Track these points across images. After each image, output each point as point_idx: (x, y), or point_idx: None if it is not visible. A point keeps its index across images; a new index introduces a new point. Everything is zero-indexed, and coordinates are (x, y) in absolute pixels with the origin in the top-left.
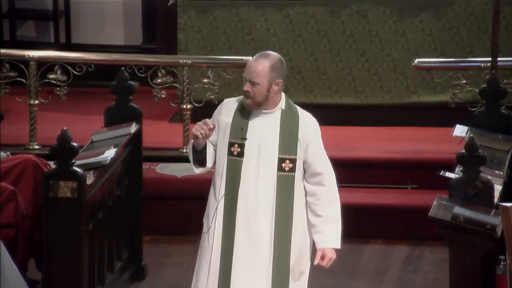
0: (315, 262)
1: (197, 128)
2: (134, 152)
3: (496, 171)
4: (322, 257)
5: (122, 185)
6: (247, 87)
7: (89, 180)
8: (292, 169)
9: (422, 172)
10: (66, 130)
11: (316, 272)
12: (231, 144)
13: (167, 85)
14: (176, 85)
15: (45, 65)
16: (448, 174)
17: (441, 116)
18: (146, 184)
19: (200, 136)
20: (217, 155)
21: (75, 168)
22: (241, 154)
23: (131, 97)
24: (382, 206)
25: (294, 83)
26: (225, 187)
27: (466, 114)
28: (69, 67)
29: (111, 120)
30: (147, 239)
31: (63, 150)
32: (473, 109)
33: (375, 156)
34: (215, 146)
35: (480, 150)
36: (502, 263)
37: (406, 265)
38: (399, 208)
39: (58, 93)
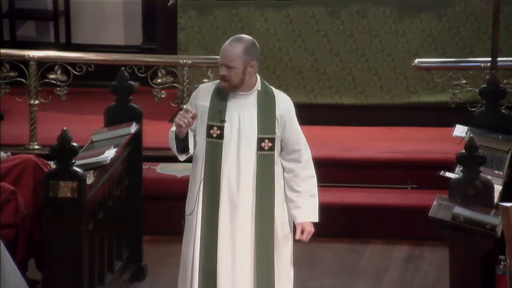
0: (296, 237)
1: (180, 118)
2: (134, 152)
3: (496, 171)
4: (302, 232)
5: (122, 185)
6: (223, 71)
7: (89, 180)
8: (271, 148)
9: (422, 172)
10: (66, 130)
11: (316, 272)
12: (209, 127)
13: (167, 85)
14: (176, 85)
15: (45, 65)
16: (448, 174)
17: (441, 116)
18: (146, 184)
19: (184, 125)
20: (196, 139)
21: (75, 168)
22: (220, 136)
23: (131, 97)
24: (382, 206)
25: (294, 83)
26: (207, 168)
27: (466, 114)
28: (69, 67)
29: (111, 120)
30: (147, 239)
31: (63, 150)
32: (473, 109)
33: (375, 156)
34: (194, 131)
35: (480, 150)
36: (502, 263)
37: (406, 265)
38: (399, 208)
39: (58, 93)
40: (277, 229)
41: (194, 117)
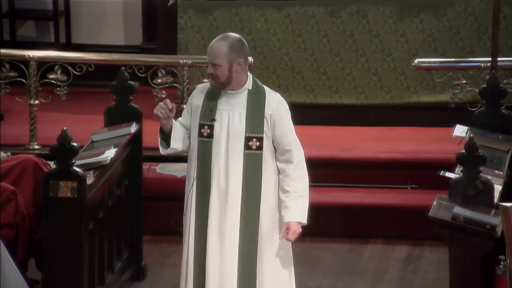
0: (280, 236)
1: (158, 109)
2: (134, 152)
3: (496, 171)
4: (287, 231)
5: (122, 185)
6: (210, 69)
7: (89, 180)
8: (259, 147)
9: (422, 172)
10: (66, 130)
11: (316, 272)
12: (201, 126)
13: (167, 85)
14: (176, 85)
15: (45, 65)
16: (448, 174)
17: (441, 116)
18: (146, 184)
19: (161, 116)
20: (191, 138)
21: (75, 168)
22: (211, 135)
23: (131, 97)
24: (382, 206)
25: (294, 83)
26: (199, 167)
27: (466, 114)
28: (69, 67)
29: (111, 120)
30: (147, 239)
31: (63, 150)
32: (473, 109)
33: (375, 156)
34: (189, 130)
35: (480, 150)
36: (502, 263)
37: (406, 265)
38: (399, 208)
39: (58, 93)
40: (267, 229)
41: (171, 110)
